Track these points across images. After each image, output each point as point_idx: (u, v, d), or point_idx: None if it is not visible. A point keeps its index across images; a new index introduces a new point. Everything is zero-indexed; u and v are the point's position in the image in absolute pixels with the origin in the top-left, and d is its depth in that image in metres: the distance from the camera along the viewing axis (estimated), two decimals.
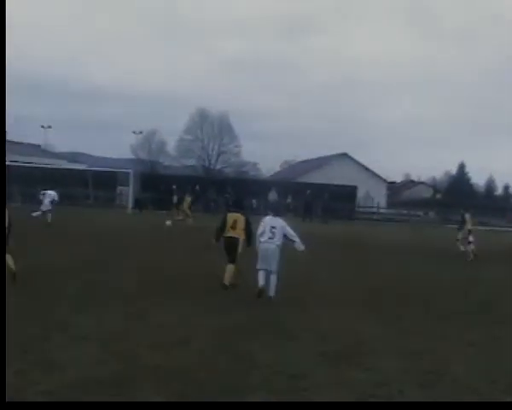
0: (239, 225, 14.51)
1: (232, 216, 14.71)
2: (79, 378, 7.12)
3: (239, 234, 14.48)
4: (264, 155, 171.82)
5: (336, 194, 59.20)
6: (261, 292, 13.02)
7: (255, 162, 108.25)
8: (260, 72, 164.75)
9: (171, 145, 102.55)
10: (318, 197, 54.38)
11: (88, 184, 59.30)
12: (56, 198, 33.02)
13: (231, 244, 14.44)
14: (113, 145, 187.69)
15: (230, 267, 14.28)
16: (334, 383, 7.54)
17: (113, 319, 10.39)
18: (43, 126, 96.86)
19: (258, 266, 13.30)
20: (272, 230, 13.35)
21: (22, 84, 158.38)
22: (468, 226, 26.53)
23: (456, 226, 29.37)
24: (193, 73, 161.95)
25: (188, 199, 41.44)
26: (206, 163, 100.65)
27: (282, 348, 9.13)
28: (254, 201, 58.48)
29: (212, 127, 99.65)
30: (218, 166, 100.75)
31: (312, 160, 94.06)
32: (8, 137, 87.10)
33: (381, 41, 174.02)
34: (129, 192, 55.94)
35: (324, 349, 9.14)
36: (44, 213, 31.85)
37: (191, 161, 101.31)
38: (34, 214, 32.14)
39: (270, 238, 13.32)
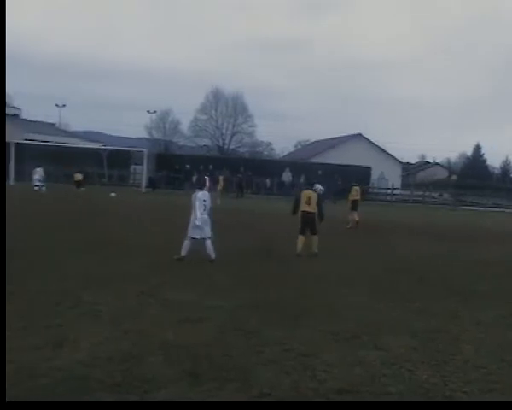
0: (312, 200, 17.05)
1: (306, 193, 17.29)
2: (91, 355, 7.18)
3: (313, 209, 17.02)
4: (279, 135, 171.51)
5: (350, 174, 59.03)
6: (210, 261, 14.64)
7: (269, 142, 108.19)
8: (275, 50, 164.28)
9: (186, 125, 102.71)
10: (330, 178, 54.26)
11: (102, 163, 59.52)
12: None
13: (308, 218, 17.13)
14: (127, 124, 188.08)
15: (315, 238, 17.15)
16: (344, 361, 7.54)
17: (125, 297, 10.46)
18: (57, 105, 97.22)
19: (196, 236, 14.73)
20: (203, 203, 14.79)
21: (37, 63, 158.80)
22: (350, 198, 28.35)
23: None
24: (207, 52, 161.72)
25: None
26: (220, 143, 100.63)
27: (292, 326, 9.14)
28: (268, 181, 58.49)
29: (226, 107, 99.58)
30: (232, 146, 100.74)
31: (326, 140, 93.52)
32: (24, 115, 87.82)
33: (396, 19, 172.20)
34: (143, 171, 56.07)
35: (335, 328, 9.14)
36: None
37: (205, 141, 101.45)
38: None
39: (204, 210, 14.78)
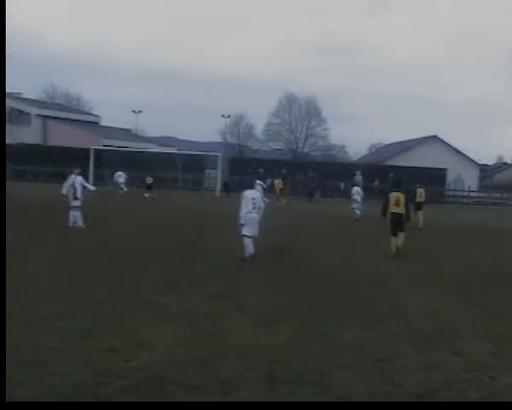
0: (401, 202, 17.76)
1: (395, 195, 17.97)
2: (168, 357, 7.26)
3: (402, 210, 17.76)
4: (352, 138, 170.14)
5: (424, 177, 58.09)
6: (251, 258, 14.98)
7: (342, 145, 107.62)
8: (346, 53, 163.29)
9: (259, 129, 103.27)
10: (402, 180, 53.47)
11: (177, 168, 60.35)
12: None
13: (396, 218, 17.78)
14: (201, 129, 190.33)
15: (401, 235, 17.73)
16: (421, 366, 7.40)
17: (200, 299, 10.55)
18: (134, 111, 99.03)
19: (248, 233, 15.10)
20: (253, 201, 15.20)
21: (115, 71, 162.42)
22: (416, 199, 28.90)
23: None
24: (280, 56, 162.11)
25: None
26: (294, 146, 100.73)
27: (368, 330, 9.04)
28: (342, 184, 58.09)
29: (299, 110, 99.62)
30: (306, 150, 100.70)
31: (401, 142, 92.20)
32: (102, 122, 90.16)
33: (468, 17, 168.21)
34: (217, 175, 56.54)
35: (412, 332, 9.01)
36: None
37: (279, 145, 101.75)
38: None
39: (253, 209, 15.16)
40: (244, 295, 11.03)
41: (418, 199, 28.67)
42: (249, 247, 15.08)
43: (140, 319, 9.07)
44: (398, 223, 17.76)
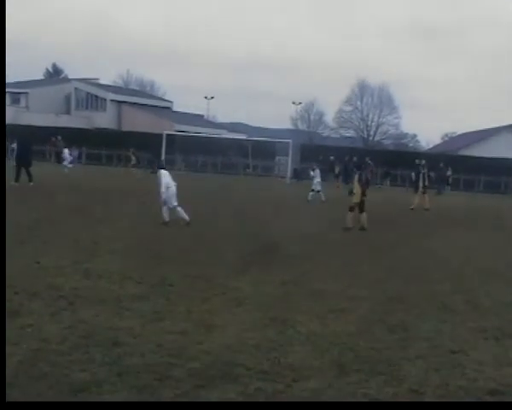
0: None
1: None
2: (238, 341, 7.31)
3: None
4: (425, 126, 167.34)
5: (499, 168, 56.78)
6: (186, 224, 17.33)
7: (414, 134, 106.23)
8: (421, 40, 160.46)
9: (330, 116, 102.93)
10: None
11: (248, 154, 60.61)
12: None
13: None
14: (272, 116, 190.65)
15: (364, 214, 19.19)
16: (495, 361, 7.25)
17: (270, 285, 10.56)
18: (206, 97, 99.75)
19: (176, 203, 17.46)
20: (170, 177, 17.82)
21: (188, 57, 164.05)
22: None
23: None
24: (350, 42, 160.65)
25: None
26: (365, 134, 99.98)
27: (440, 321, 8.89)
28: (413, 174, 57.25)
29: (371, 98, 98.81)
30: (377, 138, 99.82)
31: (475, 132, 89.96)
32: (174, 107, 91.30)
33: None
34: (288, 162, 56.52)
35: (486, 325, 8.81)
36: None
37: (350, 132, 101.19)
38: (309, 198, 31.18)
39: (173, 183, 17.67)
40: (316, 282, 10.99)
41: (426, 183, 31.05)
42: (182, 213, 17.41)
43: (212, 302, 9.16)
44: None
